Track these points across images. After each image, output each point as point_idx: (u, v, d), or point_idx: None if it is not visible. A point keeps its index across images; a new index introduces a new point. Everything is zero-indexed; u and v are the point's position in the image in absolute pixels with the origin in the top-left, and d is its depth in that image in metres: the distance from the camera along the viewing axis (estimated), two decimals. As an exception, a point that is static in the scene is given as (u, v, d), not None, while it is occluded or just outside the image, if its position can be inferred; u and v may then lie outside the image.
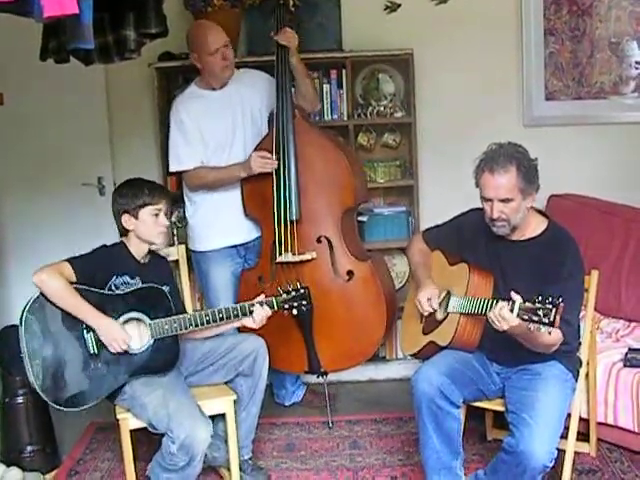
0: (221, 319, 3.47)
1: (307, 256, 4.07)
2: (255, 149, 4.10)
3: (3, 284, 4.53)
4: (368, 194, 4.45)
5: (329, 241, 4.10)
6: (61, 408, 3.32)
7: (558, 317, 2.85)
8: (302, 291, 3.59)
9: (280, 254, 4.08)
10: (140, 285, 3.43)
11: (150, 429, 3.35)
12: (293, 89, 4.16)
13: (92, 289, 3.33)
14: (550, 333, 2.92)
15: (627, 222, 4.38)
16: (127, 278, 3.43)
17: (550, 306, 2.85)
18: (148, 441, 3.63)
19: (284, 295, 3.58)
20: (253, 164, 4.00)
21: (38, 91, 4.63)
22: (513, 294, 2.99)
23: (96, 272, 3.37)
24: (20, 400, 3.88)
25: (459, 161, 4.72)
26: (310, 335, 4.13)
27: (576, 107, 4.88)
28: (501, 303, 3.04)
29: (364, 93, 4.87)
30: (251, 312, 3.49)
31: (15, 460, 3.89)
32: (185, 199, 4.33)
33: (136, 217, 3.44)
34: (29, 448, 3.93)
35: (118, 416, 3.41)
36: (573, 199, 4.64)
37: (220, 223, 4.24)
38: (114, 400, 3.43)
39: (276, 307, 3.56)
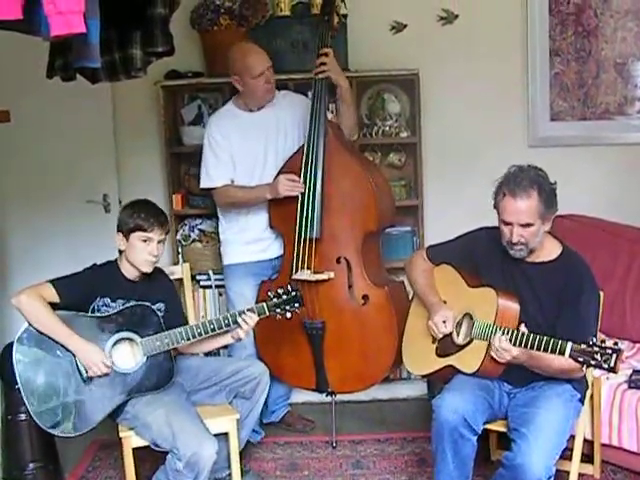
0: (212, 329, 3.43)
1: (324, 276, 4.01)
2: (282, 168, 4.09)
3: (6, 301, 4.51)
4: (395, 219, 4.39)
5: (348, 263, 4.05)
6: (62, 435, 3.32)
7: (619, 363, 2.84)
8: (294, 293, 3.51)
9: (297, 271, 4.04)
10: (128, 304, 3.40)
11: (153, 447, 3.35)
12: (331, 113, 4.14)
13: (80, 313, 3.33)
14: (608, 379, 2.92)
15: (631, 243, 4.38)
16: (107, 300, 3.40)
17: (610, 351, 2.84)
18: (151, 459, 3.63)
19: (274, 299, 3.52)
20: (280, 187, 3.97)
21: (45, 108, 4.64)
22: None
23: (81, 293, 3.36)
24: (23, 417, 3.85)
25: (464, 181, 4.77)
26: (320, 353, 4.11)
27: (581, 128, 4.89)
28: (499, 333, 3.14)
29: (369, 113, 4.88)
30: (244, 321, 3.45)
31: (18, 478, 3.87)
32: (219, 215, 4.35)
33: (127, 239, 3.42)
34: (32, 465, 3.91)
35: (121, 434, 3.41)
36: (578, 220, 4.63)
37: (249, 238, 4.23)
38: (116, 419, 3.43)
39: (267, 312, 3.50)
